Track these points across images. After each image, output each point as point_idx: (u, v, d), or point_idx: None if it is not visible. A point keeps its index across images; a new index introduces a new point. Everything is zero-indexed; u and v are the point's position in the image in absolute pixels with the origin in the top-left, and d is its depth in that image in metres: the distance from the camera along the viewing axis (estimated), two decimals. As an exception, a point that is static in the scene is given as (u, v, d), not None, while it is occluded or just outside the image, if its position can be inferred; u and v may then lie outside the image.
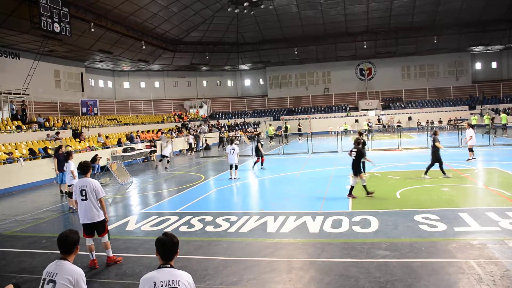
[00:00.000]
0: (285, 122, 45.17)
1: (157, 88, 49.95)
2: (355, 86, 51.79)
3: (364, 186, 12.13)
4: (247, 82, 55.72)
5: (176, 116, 44.79)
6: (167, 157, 22.54)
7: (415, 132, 40.60)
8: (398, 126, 42.20)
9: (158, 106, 47.76)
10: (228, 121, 48.52)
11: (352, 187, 12.16)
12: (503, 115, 36.10)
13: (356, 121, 47.32)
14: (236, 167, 17.18)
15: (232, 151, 17.03)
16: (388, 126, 44.57)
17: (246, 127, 46.93)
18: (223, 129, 43.72)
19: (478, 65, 50.94)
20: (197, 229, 9.63)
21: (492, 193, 11.97)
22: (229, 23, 43.13)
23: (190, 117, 46.46)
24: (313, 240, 8.38)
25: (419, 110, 47.89)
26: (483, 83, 50.02)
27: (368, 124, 42.50)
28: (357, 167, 12.10)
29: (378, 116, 47.36)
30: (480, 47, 47.04)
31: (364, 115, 48.32)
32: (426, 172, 14.66)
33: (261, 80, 55.27)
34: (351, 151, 12.37)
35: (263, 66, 52.60)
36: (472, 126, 20.47)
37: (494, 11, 41.15)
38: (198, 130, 39.54)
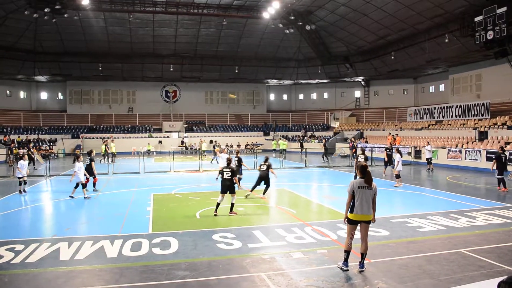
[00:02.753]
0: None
1: None
2: (160, 108, 51.99)
3: None
4: (44, 95, 50.61)
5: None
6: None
7: (207, 155, 42.55)
8: (199, 148, 43.67)
9: None
10: (19, 137, 43.19)
11: None
12: (280, 141, 40.60)
13: (160, 142, 47.41)
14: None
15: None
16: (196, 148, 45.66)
17: (40, 144, 42.59)
18: (12, 145, 38.67)
19: (272, 96, 56.62)
20: (-30, 261, 8.22)
21: (281, 211, 13.27)
22: (25, 27, 38.61)
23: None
24: (111, 265, 7.97)
25: (220, 134, 50.56)
26: (276, 112, 55.83)
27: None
28: None
29: (182, 138, 48.31)
30: (274, 80, 52.42)
31: (168, 136, 48.81)
32: None
33: (60, 94, 50.92)
34: None
35: (63, 80, 48.56)
36: (399, 152, 19.47)
37: (286, 51, 46.97)
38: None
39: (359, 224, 7.60)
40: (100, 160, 31.57)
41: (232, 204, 12.58)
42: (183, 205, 14.51)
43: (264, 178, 15.66)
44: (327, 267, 7.66)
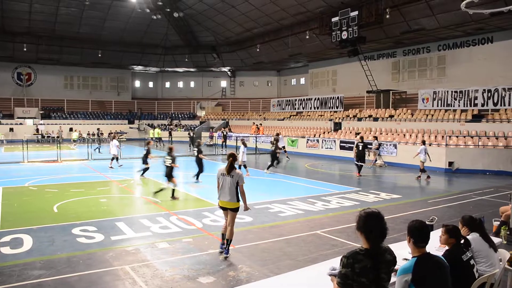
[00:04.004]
0: None
1: None
2: (11, 91, 46.60)
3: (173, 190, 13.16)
4: None
5: None
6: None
7: (77, 144, 40.10)
8: (58, 137, 40.60)
9: None
10: None
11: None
12: (156, 130, 40.48)
13: (11, 129, 42.81)
14: None
15: None
16: (54, 136, 42.27)
17: None
18: None
19: (137, 83, 54.72)
20: None
21: (146, 201, 13.00)
22: None
23: None
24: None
25: (81, 122, 47.52)
26: (141, 100, 54.15)
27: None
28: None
29: (37, 126, 44.25)
30: (140, 67, 50.71)
31: (21, 123, 44.33)
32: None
33: None
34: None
35: None
36: (424, 143, 18.94)
37: (153, 37, 45.59)
38: None
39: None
40: None
41: (173, 190, 13.24)
42: (39, 198, 13.38)
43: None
44: (192, 255, 7.72)
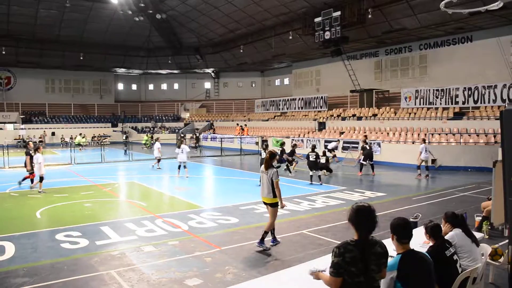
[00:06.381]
0: None
1: None
2: (-10, 96, 45.95)
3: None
4: None
5: None
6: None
7: (59, 148, 39.57)
8: (40, 141, 39.96)
9: None
10: None
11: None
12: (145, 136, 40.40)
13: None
14: None
15: None
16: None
17: None
18: None
19: (120, 86, 54.22)
20: None
21: (131, 204, 12.91)
22: None
23: None
24: None
25: (63, 126, 46.91)
26: (125, 102, 53.63)
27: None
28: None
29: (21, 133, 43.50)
30: (123, 70, 50.28)
31: (1, 128, 43.57)
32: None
33: None
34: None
35: None
36: (424, 141, 18.95)
37: (136, 39, 45.24)
38: None
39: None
40: None
41: (311, 176, 16.76)
42: (20, 204, 13.16)
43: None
44: (178, 258, 7.69)
